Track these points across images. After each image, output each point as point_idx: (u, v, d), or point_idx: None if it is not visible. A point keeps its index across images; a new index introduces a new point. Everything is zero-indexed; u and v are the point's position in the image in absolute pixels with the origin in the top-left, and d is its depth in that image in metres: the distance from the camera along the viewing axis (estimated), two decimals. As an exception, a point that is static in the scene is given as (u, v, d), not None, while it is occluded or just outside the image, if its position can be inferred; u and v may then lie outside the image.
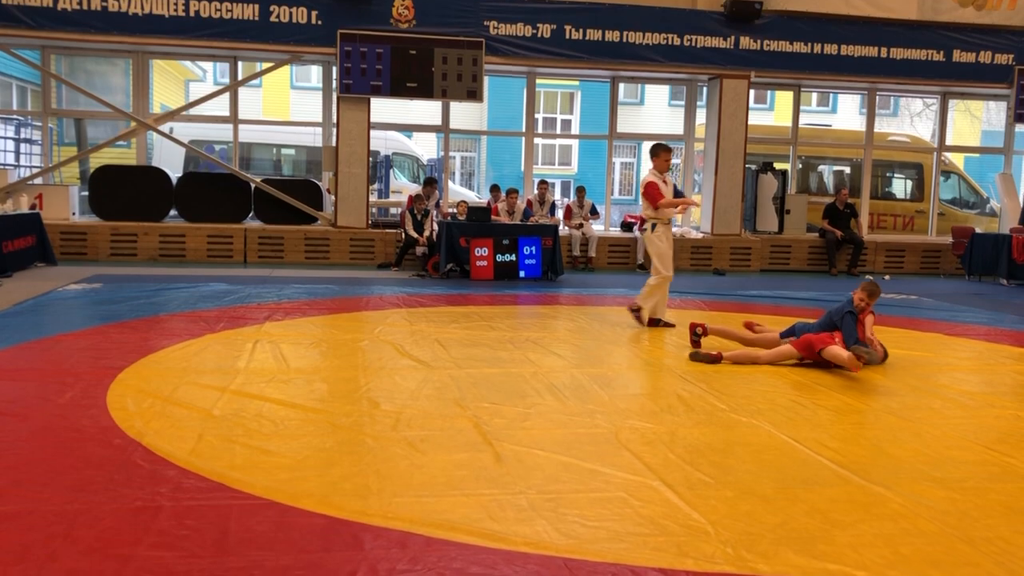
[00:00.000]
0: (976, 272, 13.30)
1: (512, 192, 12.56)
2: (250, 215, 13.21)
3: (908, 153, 16.83)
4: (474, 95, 12.73)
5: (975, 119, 26.71)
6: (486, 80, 13.04)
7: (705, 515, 3.37)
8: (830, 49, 13.59)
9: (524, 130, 14.46)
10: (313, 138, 15.38)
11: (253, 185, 13.07)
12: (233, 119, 13.40)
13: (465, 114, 21.09)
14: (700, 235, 14.04)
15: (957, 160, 19.01)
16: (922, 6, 13.63)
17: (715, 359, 6.35)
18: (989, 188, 17.17)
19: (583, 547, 3.04)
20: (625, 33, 13.08)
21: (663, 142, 8.13)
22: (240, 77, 13.70)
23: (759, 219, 14.28)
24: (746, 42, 13.40)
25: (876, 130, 15.48)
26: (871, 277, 13.35)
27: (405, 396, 5.08)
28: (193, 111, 13.66)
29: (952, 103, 15.74)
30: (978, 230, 14.31)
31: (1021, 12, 13.88)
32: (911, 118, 27.35)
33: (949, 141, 16.23)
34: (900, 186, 16.82)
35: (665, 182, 7.91)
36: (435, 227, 11.84)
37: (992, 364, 6.81)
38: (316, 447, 4.09)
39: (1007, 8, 13.85)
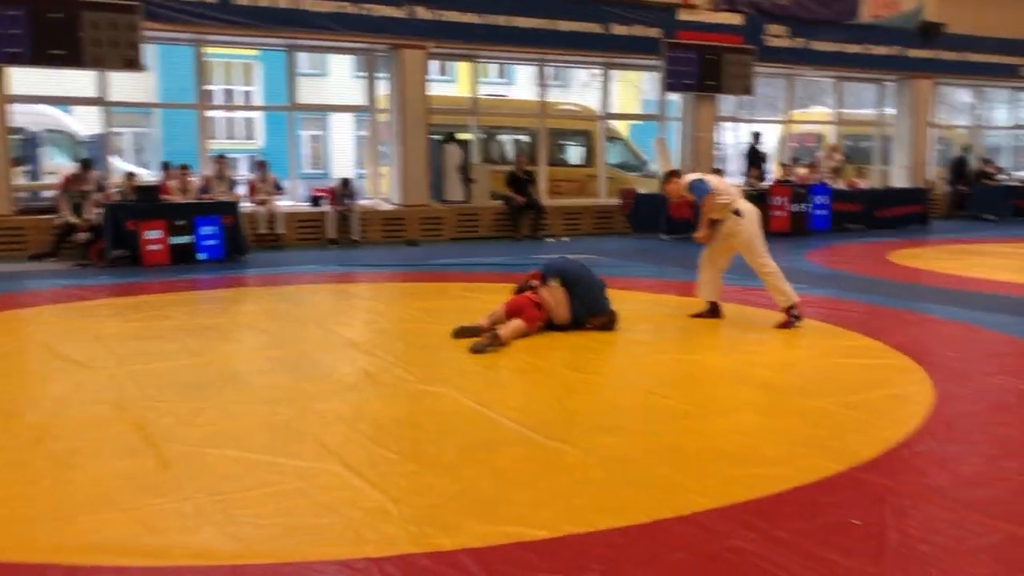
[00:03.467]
0: (641, 230, 14.48)
1: (184, 168, 11.66)
2: None
3: (578, 121, 17.90)
4: (133, 64, 11.61)
5: (635, 88, 29.10)
6: (150, 48, 11.96)
7: (387, 493, 3.26)
8: (502, 20, 14.01)
9: (196, 102, 13.49)
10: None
11: None
12: None
13: (132, 85, 19.29)
14: (391, 207, 13.99)
15: (621, 127, 20.59)
16: (583, -19, 14.48)
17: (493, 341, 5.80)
18: (648, 152, 18.77)
19: (252, 549, 2.80)
20: (300, 0, 12.58)
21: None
22: None
23: (446, 189, 14.49)
24: (422, 12, 13.43)
25: (549, 100, 16.28)
26: (552, 240, 14.09)
27: (53, 404, 4.47)
28: None
29: (614, 74, 16.93)
30: (641, 191, 15.59)
31: (666, -10, 15.21)
32: (580, 88, 29.21)
33: (613, 109, 17.47)
34: (573, 153, 17.87)
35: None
36: (97, 210, 10.69)
37: (658, 314, 7.37)
38: (-67, 476, 3.46)
39: (654, -14, 15.11)
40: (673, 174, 7.09)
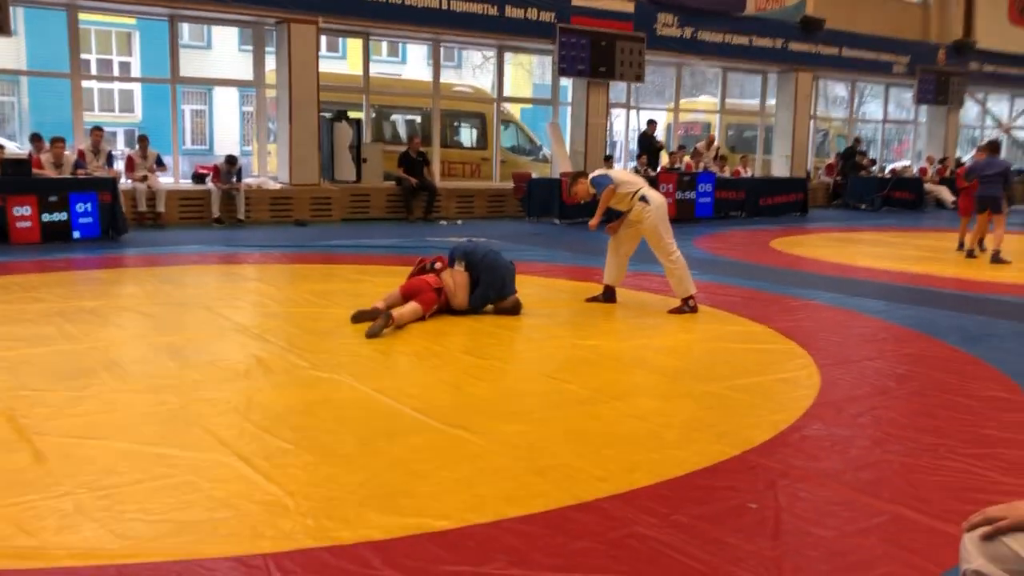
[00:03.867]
0: (535, 214, 14.54)
1: (58, 141, 10.98)
2: None
3: (472, 103, 17.84)
4: (0, 29, 10.85)
5: (527, 72, 29.18)
6: (18, 12, 11.21)
7: (284, 486, 3.14)
8: (396, -2, 13.77)
9: (70, 72, 12.73)
10: None
11: None
12: None
13: (-4, 51, 18.14)
14: (278, 185, 13.59)
15: (514, 110, 20.62)
16: (477, -38, 14.36)
17: (387, 323, 5.73)
18: (541, 136, 18.87)
19: (142, 547, 2.65)
20: (182, -32, 12.04)
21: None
22: None
23: (337, 168, 14.19)
24: (313, -15, 13.07)
25: (442, 81, 16.13)
26: (445, 222, 14.00)
27: (-87, 393, 4.14)
28: None
29: (508, 56, 16.91)
30: (534, 175, 15.66)
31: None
32: (473, 70, 29.09)
33: (507, 92, 17.46)
34: (467, 135, 17.79)
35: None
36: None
37: (553, 299, 7.40)
38: None
39: (549, -30, 15.13)
40: (580, 175, 7.08)
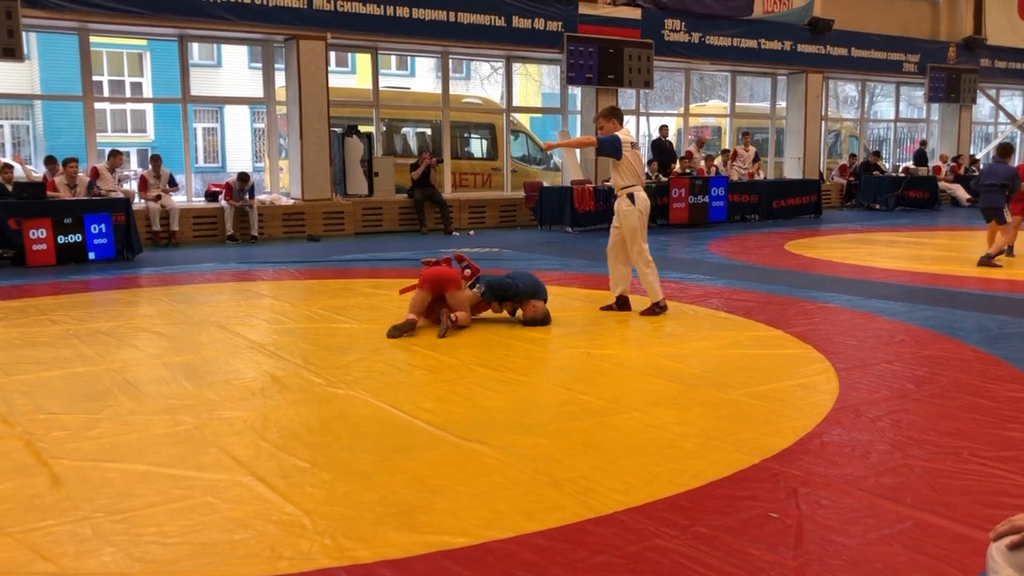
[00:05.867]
0: (547, 222, 14.53)
1: (71, 162, 11.06)
2: None
3: (481, 114, 17.86)
4: (12, 53, 10.95)
5: (535, 82, 29.22)
6: (30, 37, 11.31)
7: (301, 505, 3.13)
8: (403, 12, 13.81)
9: (82, 94, 12.84)
10: None
11: None
12: None
13: (10, 76, 18.31)
14: (291, 201, 13.65)
15: (524, 120, 20.63)
16: (483, -26, 14.41)
17: (410, 325, 6.15)
18: (552, 145, 18.82)
19: (161, 571, 2.64)
20: (190, -12, 12.12)
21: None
22: None
23: (349, 182, 14.24)
24: (320, 2, 13.12)
25: (451, 92, 16.16)
26: (458, 233, 14.00)
27: (-68, 419, 4.16)
28: None
29: (515, 67, 16.93)
30: (545, 184, 15.65)
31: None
32: (481, 81, 29.17)
33: (515, 102, 17.47)
34: (477, 145, 17.81)
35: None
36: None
37: (567, 307, 7.38)
38: None
39: (555, -21, 15.14)
40: (612, 116, 6.94)
